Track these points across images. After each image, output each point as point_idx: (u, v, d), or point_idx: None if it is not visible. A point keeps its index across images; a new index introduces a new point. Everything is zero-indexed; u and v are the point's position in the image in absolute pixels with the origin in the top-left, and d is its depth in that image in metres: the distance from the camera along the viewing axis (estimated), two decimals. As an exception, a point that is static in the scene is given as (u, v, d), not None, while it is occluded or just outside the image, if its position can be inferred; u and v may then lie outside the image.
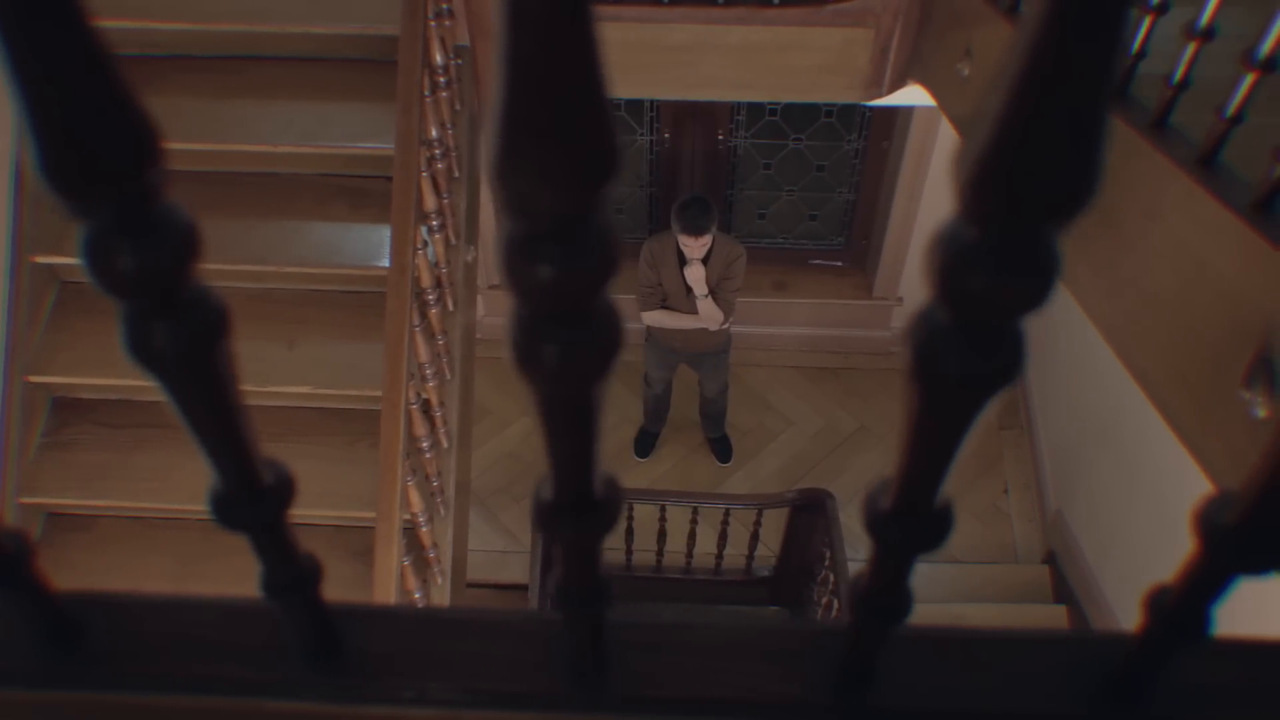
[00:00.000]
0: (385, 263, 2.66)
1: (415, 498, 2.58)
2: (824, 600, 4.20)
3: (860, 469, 5.21)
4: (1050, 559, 4.88)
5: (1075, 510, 4.68)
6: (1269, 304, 1.21)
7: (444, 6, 2.81)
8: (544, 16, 0.28)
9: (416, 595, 2.67)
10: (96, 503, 2.98)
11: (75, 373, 2.98)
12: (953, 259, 0.35)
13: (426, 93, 2.67)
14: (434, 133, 2.73)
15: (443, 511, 2.94)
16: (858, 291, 5.44)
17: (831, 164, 5.07)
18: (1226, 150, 1.38)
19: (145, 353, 0.39)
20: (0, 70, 0.30)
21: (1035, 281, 0.35)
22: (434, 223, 2.78)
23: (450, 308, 3.00)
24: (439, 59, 2.74)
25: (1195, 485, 0.97)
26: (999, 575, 4.88)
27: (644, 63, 2.97)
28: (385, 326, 2.52)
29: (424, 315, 2.72)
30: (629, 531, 4.39)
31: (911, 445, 0.43)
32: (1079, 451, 4.65)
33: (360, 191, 3.07)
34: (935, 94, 2.75)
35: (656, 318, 4.34)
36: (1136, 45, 1.55)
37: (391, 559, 2.39)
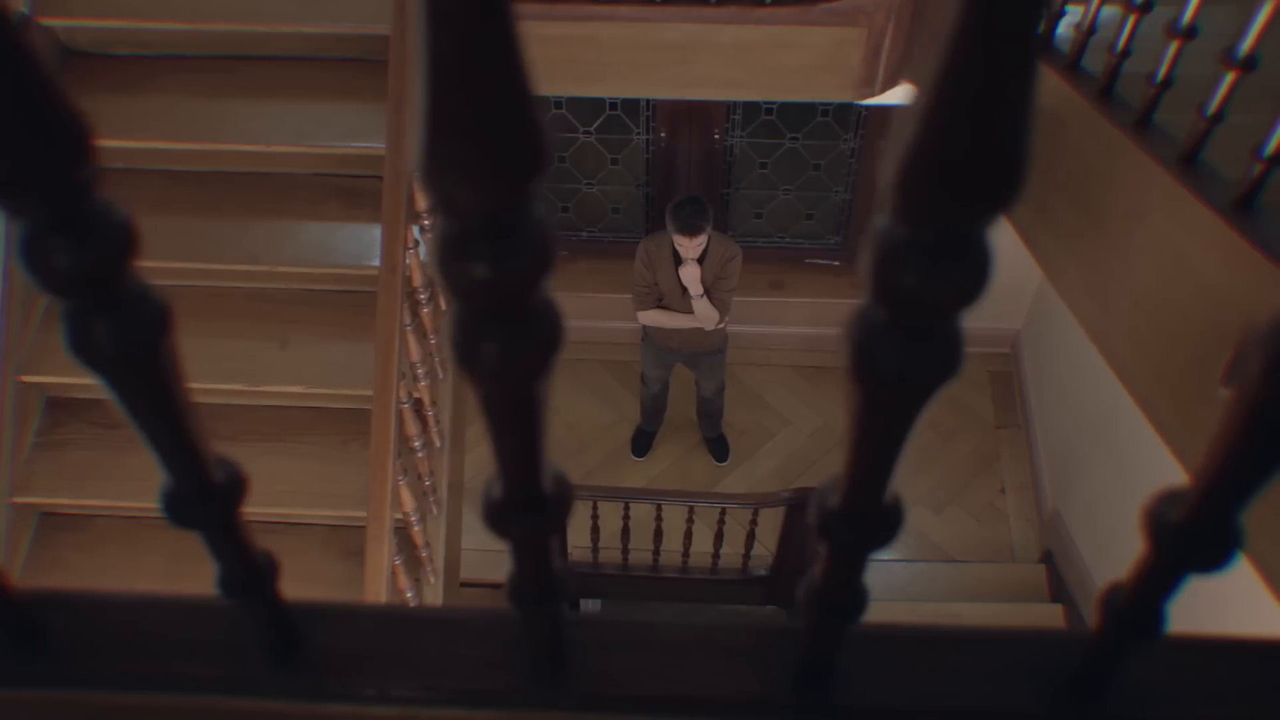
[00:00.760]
0: (378, 262, 2.66)
1: (407, 497, 2.58)
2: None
3: (856, 468, 5.20)
4: (1047, 558, 4.88)
5: (1072, 510, 4.68)
6: (1248, 303, 1.21)
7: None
8: (461, 16, 0.28)
9: (409, 594, 2.67)
10: (90, 503, 2.98)
11: (68, 373, 2.97)
12: (885, 257, 0.35)
13: (418, 92, 2.66)
14: (426, 131, 2.72)
15: (435, 511, 2.94)
16: (854, 291, 5.43)
17: (828, 163, 5.07)
18: (1210, 149, 1.38)
19: (86, 351, 0.39)
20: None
21: (968, 277, 0.35)
22: (426, 221, 2.78)
23: (443, 306, 3.00)
24: (431, 58, 2.73)
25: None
26: (996, 575, 4.88)
27: (637, 62, 2.97)
28: (376, 325, 2.52)
29: (416, 314, 2.72)
30: (625, 531, 4.39)
31: (856, 444, 0.43)
32: (1076, 451, 4.65)
33: (354, 191, 3.07)
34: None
35: (652, 317, 4.34)
36: (1121, 44, 1.55)
37: (383, 558, 2.39)
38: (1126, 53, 1.55)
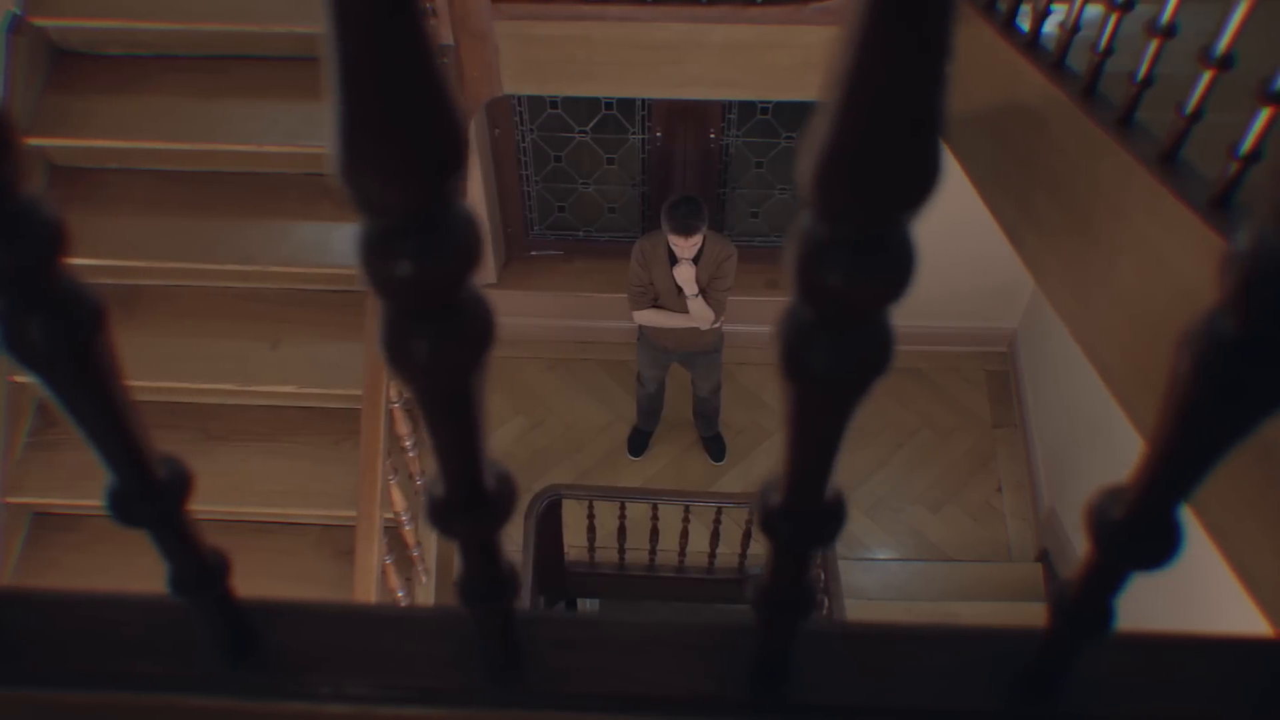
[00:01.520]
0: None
1: (398, 496, 2.59)
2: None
3: (853, 468, 5.20)
4: (1044, 557, 4.88)
5: (1069, 509, 4.68)
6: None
7: (427, 6, 2.81)
8: (366, 14, 0.29)
9: (400, 594, 2.68)
10: (83, 503, 2.98)
11: (62, 373, 2.98)
12: (807, 257, 0.35)
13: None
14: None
15: (428, 510, 2.94)
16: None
17: (824, 163, 5.07)
18: (1190, 148, 1.38)
19: (20, 348, 0.39)
20: None
21: (891, 273, 0.35)
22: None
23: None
24: (423, 58, 2.74)
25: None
26: (992, 574, 4.87)
27: (629, 61, 2.97)
28: (366, 324, 2.52)
29: (408, 314, 2.71)
30: (621, 530, 4.39)
31: (793, 442, 0.43)
32: (1073, 451, 4.64)
33: (346, 191, 3.07)
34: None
35: (648, 317, 4.35)
36: (1104, 42, 1.55)
37: (372, 558, 2.39)
38: (1109, 51, 1.55)
